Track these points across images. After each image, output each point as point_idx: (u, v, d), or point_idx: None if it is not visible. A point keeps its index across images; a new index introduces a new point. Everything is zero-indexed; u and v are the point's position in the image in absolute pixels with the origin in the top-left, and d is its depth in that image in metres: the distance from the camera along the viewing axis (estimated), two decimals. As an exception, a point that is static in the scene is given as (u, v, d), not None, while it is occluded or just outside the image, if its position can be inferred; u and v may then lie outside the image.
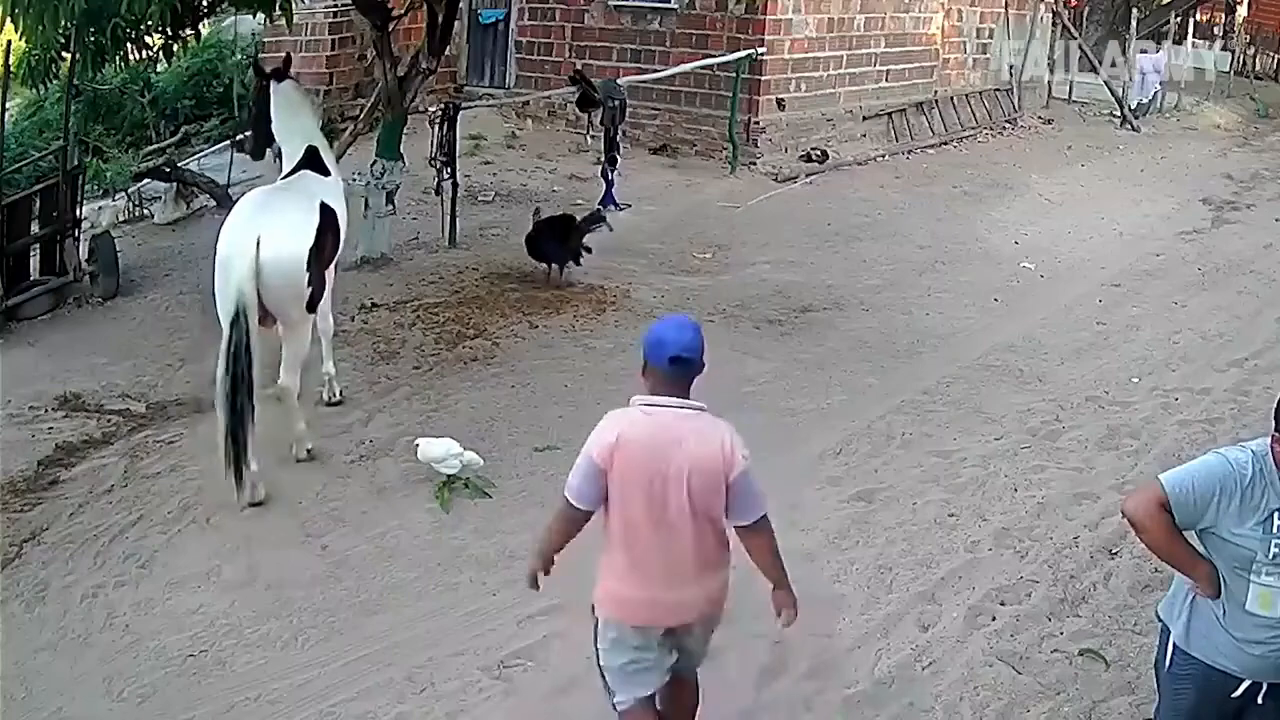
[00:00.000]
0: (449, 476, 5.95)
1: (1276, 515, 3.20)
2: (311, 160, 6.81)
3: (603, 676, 3.80)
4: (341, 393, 7.01)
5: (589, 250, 9.26)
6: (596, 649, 3.80)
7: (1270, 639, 3.25)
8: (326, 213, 6.32)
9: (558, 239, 9.18)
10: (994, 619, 4.97)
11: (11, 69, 8.59)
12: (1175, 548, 3.34)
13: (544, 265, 9.23)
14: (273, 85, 7.04)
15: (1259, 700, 3.33)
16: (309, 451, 6.28)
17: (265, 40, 14.38)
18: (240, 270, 5.67)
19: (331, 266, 6.46)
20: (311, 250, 6.02)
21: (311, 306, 6.16)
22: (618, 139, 11.13)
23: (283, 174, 6.88)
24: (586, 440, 3.63)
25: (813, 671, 4.62)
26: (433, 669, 4.65)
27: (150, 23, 7.72)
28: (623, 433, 3.61)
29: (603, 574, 3.74)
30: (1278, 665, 3.28)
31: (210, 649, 4.81)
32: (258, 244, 5.70)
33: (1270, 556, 3.20)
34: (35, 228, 9.31)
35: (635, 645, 3.72)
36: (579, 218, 9.52)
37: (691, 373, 3.66)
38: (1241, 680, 3.31)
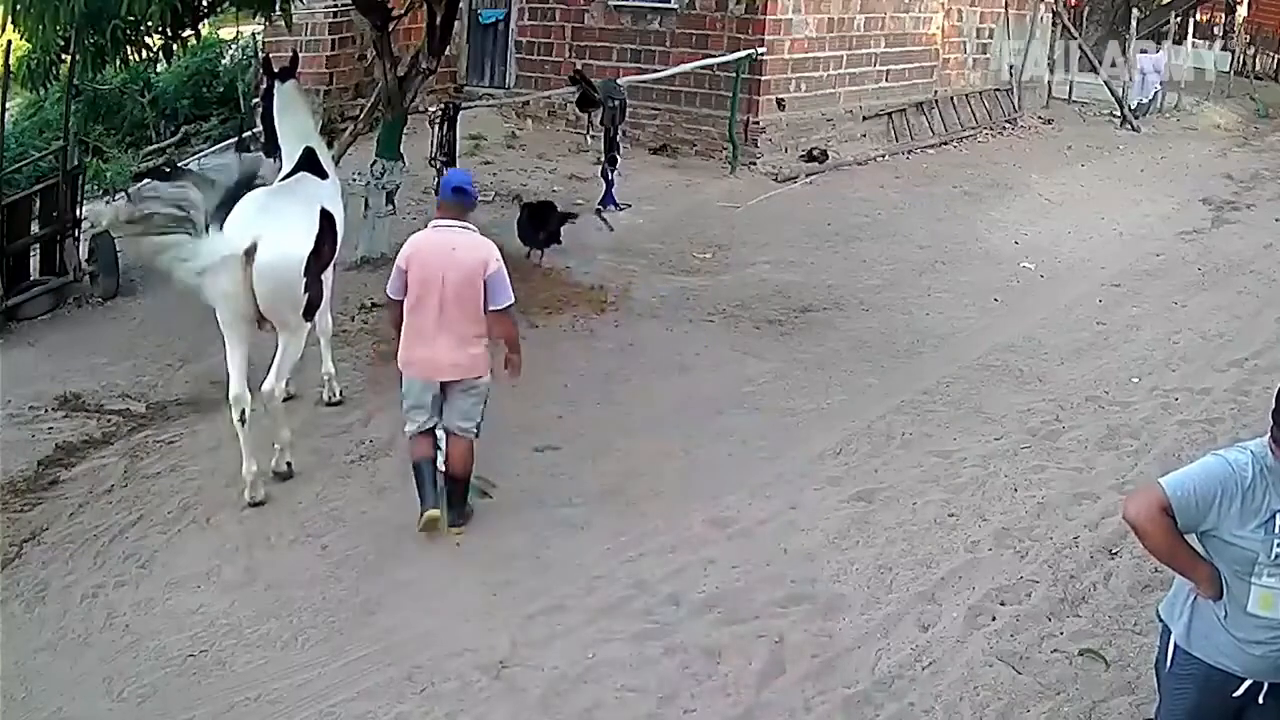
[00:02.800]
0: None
1: (1278, 516, 3.20)
2: (309, 162, 6.79)
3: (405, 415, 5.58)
4: (341, 393, 7.00)
5: (559, 241, 9.57)
6: (402, 395, 5.57)
7: (1271, 639, 3.25)
8: (325, 218, 6.29)
9: (535, 224, 9.49)
10: (994, 619, 4.97)
11: (11, 69, 8.59)
12: (1177, 551, 3.34)
13: (527, 249, 9.48)
14: (276, 84, 7.04)
15: (1260, 700, 3.33)
16: (289, 465, 6.13)
17: (266, 40, 14.38)
18: (229, 270, 5.61)
19: (331, 269, 6.44)
20: (310, 257, 5.98)
21: (309, 313, 6.11)
22: (618, 139, 11.13)
23: (281, 175, 6.87)
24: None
25: (813, 671, 4.62)
26: (433, 669, 4.65)
27: (150, 23, 7.72)
28: (417, 244, 5.44)
29: (401, 345, 5.47)
30: (1278, 665, 3.28)
31: (210, 649, 4.81)
32: (254, 247, 5.68)
33: (1272, 557, 3.20)
34: (35, 228, 9.31)
35: (416, 391, 5.50)
36: (559, 208, 9.90)
37: (466, 201, 5.53)
38: (1243, 680, 3.32)
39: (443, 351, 5.37)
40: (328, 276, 6.33)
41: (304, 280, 5.94)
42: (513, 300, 5.46)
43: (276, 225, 5.90)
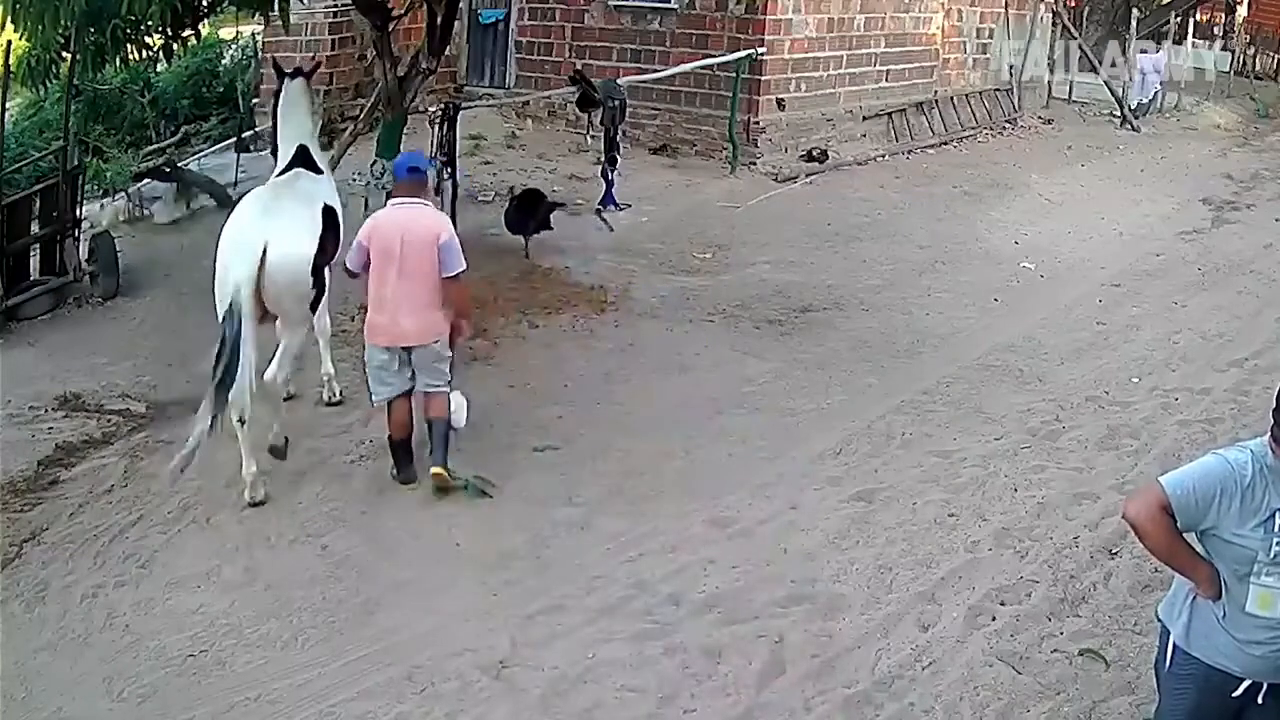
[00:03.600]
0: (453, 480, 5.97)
1: (1278, 515, 3.19)
2: (303, 158, 6.82)
3: (369, 386, 6.05)
4: (341, 393, 7.01)
5: (550, 228, 9.97)
6: (364, 363, 6.04)
7: (1271, 639, 3.25)
8: (328, 214, 6.34)
9: (525, 213, 9.84)
10: (994, 619, 4.97)
11: (11, 69, 8.59)
12: (1176, 550, 3.34)
13: (524, 243, 9.81)
14: (286, 81, 7.08)
15: (1259, 700, 3.33)
16: (285, 441, 6.22)
17: (266, 40, 14.38)
18: (241, 271, 5.70)
19: (329, 267, 6.47)
20: (316, 253, 6.04)
21: (314, 306, 6.20)
22: (618, 139, 11.12)
23: (276, 171, 6.90)
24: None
25: (813, 671, 4.62)
26: (433, 669, 4.65)
27: (150, 23, 7.72)
28: (378, 221, 5.88)
29: (368, 314, 5.90)
30: (1278, 665, 3.28)
31: (210, 649, 4.82)
32: (265, 248, 5.74)
33: (1271, 557, 3.20)
34: (35, 228, 9.31)
35: (382, 359, 5.87)
36: (548, 197, 10.38)
37: (421, 179, 6.00)
38: (1242, 680, 3.32)
39: (403, 318, 5.79)
40: (328, 272, 6.37)
41: (312, 276, 6.02)
42: (464, 267, 5.88)
43: (283, 223, 5.97)
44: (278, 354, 6.13)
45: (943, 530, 5.67)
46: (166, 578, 5.30)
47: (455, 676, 4.60)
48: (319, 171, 6.90)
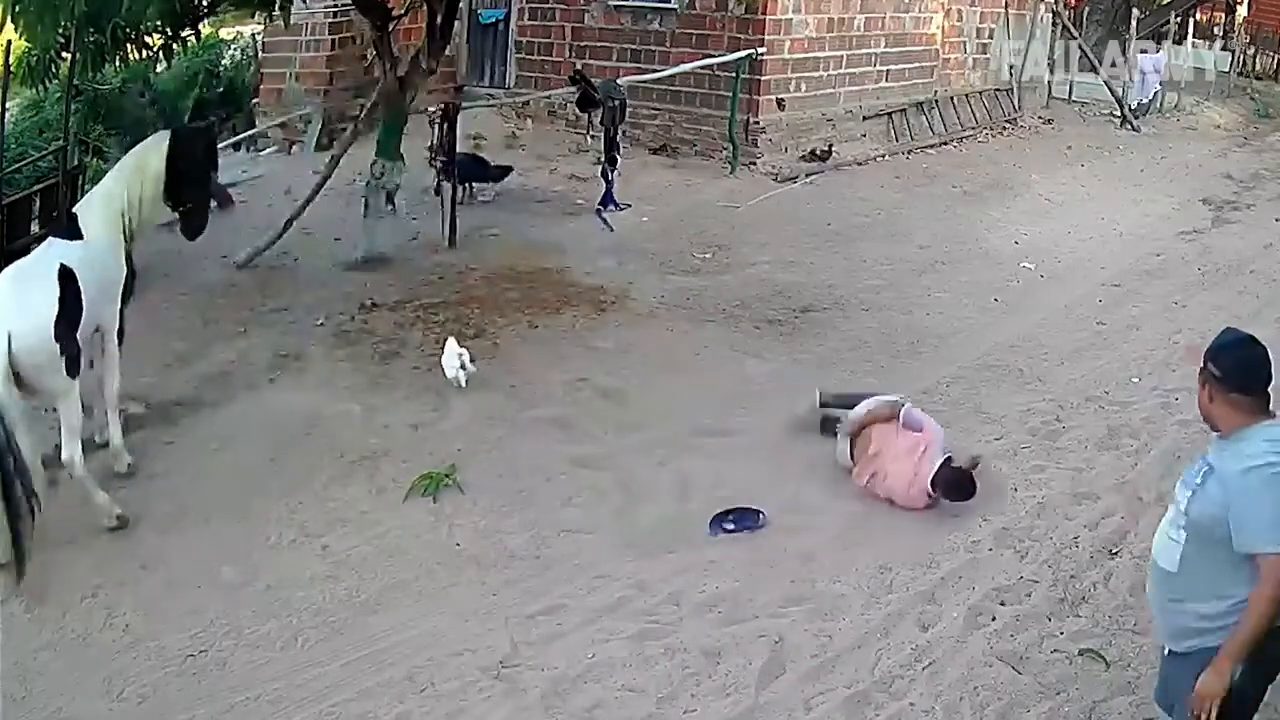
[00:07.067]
0: (432, 473, 6.00)
1: (1199, 470, 3.37)
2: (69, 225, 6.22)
3: None
4: (130, 465, 6.26)
5: (483, 196, 11.25)
6: None
7: (1152, 582, 3.49)
8: (65, 274, 5.63)
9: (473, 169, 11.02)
10: (994, 619, 4.97)
11: (11, 69, 8.58)
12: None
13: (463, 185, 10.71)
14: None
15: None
16: (119, 518, 5.68)
17: (266, 40, 14.38)
18: None
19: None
20: (58, 316, 5.49)
21: (73, 371, 5.63)
22: (618, 139, 11.12)
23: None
24: None
25: (813, 671, 4.63)
26: (433, 669, 4.65)
27: (150, 23, 7.72)
28: None
29: None
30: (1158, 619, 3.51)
31: (210, 649, 4.82)
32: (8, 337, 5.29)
33: (1180, 508, 3.39)
34: (35, 228, 9.31)
35: None
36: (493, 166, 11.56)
37: None
38: None
39: None
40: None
41: (56, 342, 5.49)
42: None
43: (11, 306, 5.43)
44: (62, 434, 5.62)
45: (943, 530, 5.67)
46: (166, 578, 5.30)
47: (455, 676, 4.61)
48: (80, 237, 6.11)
